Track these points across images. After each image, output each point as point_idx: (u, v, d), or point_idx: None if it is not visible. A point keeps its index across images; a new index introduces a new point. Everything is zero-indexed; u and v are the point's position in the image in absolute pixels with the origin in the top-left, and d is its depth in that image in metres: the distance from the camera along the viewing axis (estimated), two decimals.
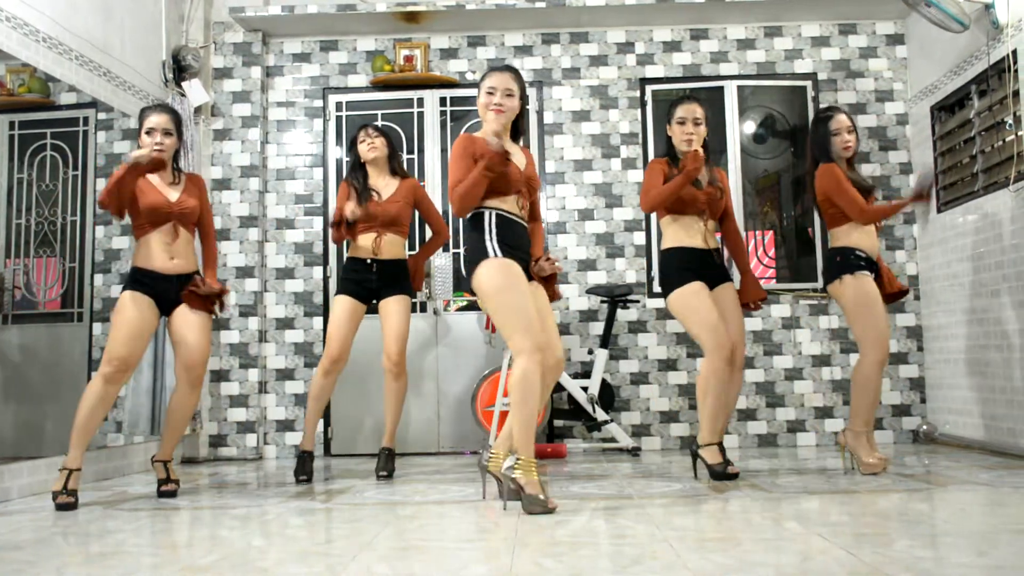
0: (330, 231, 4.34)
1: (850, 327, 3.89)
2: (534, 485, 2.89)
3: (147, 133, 3.59)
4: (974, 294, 4.66)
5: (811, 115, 5.43)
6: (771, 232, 5.59)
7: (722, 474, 3.57)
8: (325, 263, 5.40)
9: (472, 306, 5.32)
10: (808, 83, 5.46)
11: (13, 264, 3.89)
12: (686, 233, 3.71)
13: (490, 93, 3.13)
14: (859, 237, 3.77)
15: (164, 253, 3.54)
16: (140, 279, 3.52)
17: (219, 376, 5.23)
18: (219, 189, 5.34)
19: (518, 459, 2.93)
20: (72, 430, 3.37)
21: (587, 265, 5.30)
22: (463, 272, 4.31)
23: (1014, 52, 4.19)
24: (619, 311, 5.13)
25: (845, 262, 3.75)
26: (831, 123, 3.84)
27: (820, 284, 5.31)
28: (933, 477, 3.61)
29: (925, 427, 5.08)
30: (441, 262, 5.12)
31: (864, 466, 3.69)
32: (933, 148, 5.10)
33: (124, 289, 3.52)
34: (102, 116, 4.45)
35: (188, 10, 5.27)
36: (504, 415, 4.82)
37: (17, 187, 3.98)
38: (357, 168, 4.25)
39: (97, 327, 4.38)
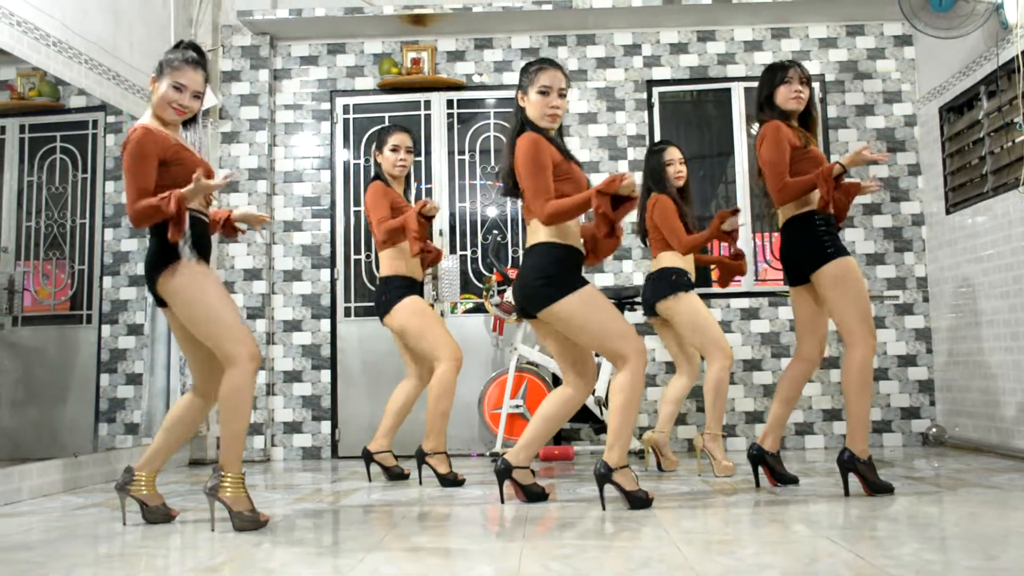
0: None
1: (688, 341, 4.04)
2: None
3: (392, 150, 3.92)
4: (983, 296, 4.64)
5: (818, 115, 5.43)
6: (779, 234, 5.55)
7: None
8: (332, 265, 5.41)
9: (479, 308, 5.32)
10: (816, 84, 5.45)
11: (23, 267, 3.91)
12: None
13: (178, 89, 2.90)
14: (684, 260, 4.04)
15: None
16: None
17: None
18: (226, 192, 5.35)
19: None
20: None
21: (594, 267, 5.29)
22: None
23: (1023, 53, 4.18)
24: (626, 313, 5.12)
25: (678, 281, 3.98)
26: (664, 155, 4.08)
27: None
28: (943, 480, 3.60)
29: (935, 430, 5.06)
30: (448, 264, 5.12)
31: (720, 468, 3.88)
32: (942, 149, 5.08)
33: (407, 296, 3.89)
34: (111, 119, 4.47)
35: (196, 14, 5.29)
36: (511, 417, 4.82)
37: (27, 190, 4.01)
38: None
39: (106, 329, 4.39)
